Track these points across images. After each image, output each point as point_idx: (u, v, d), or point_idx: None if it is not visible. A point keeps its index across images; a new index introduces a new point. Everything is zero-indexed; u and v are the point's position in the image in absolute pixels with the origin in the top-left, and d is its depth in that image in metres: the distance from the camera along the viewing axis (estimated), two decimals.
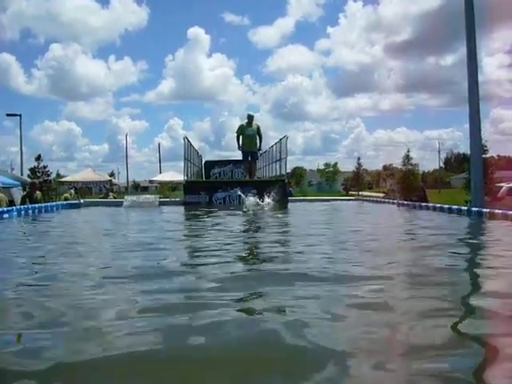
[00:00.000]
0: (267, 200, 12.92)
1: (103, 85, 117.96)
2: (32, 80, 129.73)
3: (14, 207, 12.45)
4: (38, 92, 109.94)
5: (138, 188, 74.86)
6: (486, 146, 33.40)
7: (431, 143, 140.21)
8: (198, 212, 11.41)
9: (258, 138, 16.10)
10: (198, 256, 4.72)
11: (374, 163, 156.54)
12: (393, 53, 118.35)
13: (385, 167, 79.72)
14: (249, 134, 15.92)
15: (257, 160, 17.40)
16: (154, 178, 40.88)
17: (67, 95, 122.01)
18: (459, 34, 12.57)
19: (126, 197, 17.33)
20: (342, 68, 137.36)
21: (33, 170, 39.04)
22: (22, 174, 32.67)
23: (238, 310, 2.53)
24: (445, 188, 57.71)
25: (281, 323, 2.23)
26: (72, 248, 5.21)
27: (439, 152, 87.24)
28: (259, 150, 16.64)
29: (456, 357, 1.87)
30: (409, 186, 30.01)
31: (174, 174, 33.76)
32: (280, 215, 10.69)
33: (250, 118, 16.28)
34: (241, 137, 16.00)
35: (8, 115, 36.56)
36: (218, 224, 8.32)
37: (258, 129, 16.18)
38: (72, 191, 22.30)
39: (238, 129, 16.19)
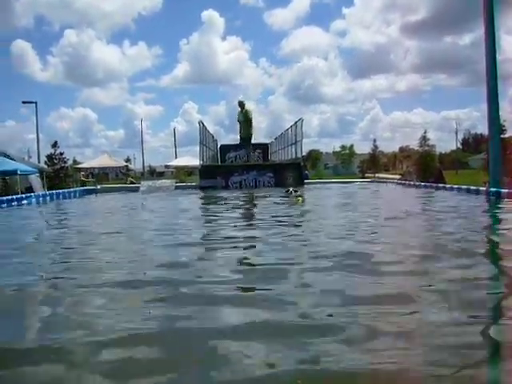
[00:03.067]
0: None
1: (118, 70, 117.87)
2: (47, 67, 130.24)
3: (32, 194, 12.62)
4: (53, 79, 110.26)
5: (153, 173, 75.16)
6: (504, 126, 32.78)
7: (448, 124, 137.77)
8: None
9: (246, 122, 16.68)
10: None
11: (390, 145, 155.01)
12: (409, 33, 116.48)
13: (401, 149, 78.85)
14: (239, 121, 16.85)
15: (250, 144, 17.79)
16: (170, 163, 40.92)
17: (82, 81, 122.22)
18: (477, 12, 12.27)
19: (142, 182, 17.48)
20: (358, 49, 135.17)
21: (49, 157, 39.20)
22: (38, 161, 32.93)
23: None
24: (462, 169, 57.00)
25: None
26: None
27: (456, 133, 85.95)
28: (250, 134, 17.16)
29: None
30: (426, 167, 29.68)
31: (190, 158, 33.79)
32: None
33: (240, 104, 16.87)
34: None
35: (24, 102, 36.79)
36: None
37: (246, 113, 16.64)
38: (89, 176, 22.58)
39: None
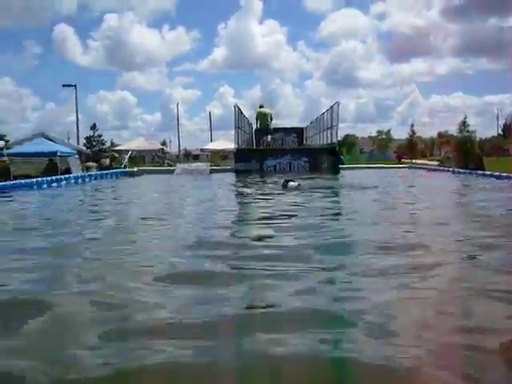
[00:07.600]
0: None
1: (157, 54, 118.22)
2: (88, 51, 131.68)
3: (71, 175, 12.88)
4: (93, 63, 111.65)
5: (189, 156, 75.54)
6: None
7: (489, 109, 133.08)
8: None
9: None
10: None
11: (428, 130, 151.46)
12: (450, 15, 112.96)
13: (440, 134, 77.21)
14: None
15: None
16: (205, 147, 41.13)
17: (122, 65, 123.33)
18: None
19: (177, 165, 17.62)
20: (398, 32, 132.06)
21: (88, 139, 39.96)
22: (78, 143, 33.54)
23: None
24: (503, 156, 55.49)
25: None
26: None
27: (498, 118, 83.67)
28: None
29: None
30: (465, 153, 28.98)
31: (225, 142, 33.88)
32: None
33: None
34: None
35: (64, 86, 37.45)
36: None
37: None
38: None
39: None
